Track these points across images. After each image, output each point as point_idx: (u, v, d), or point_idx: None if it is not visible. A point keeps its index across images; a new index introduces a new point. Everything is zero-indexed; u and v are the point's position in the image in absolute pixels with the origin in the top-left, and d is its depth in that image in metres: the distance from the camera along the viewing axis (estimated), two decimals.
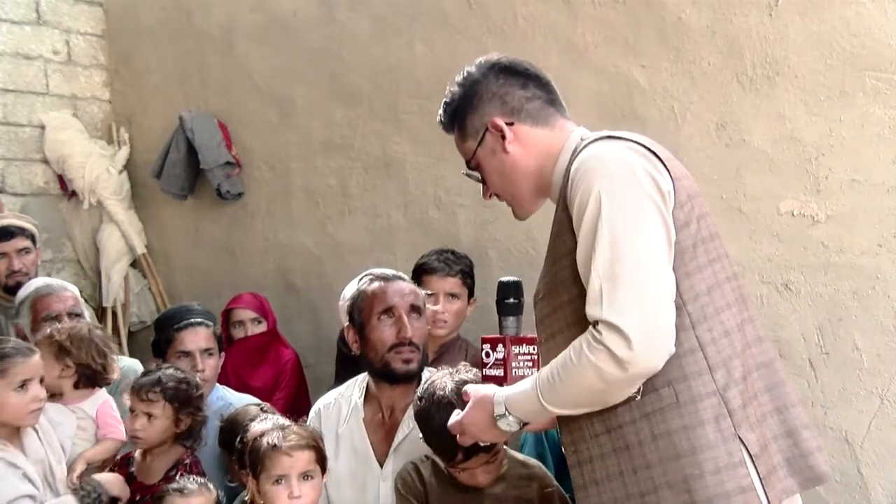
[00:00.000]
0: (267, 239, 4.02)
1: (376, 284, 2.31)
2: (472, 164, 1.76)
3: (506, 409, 1.62)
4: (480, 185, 1.80)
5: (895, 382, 2.56)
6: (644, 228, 1.48)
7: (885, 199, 2.54)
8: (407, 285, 2.34)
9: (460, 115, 1.76)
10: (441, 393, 1.96)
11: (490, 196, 1.80)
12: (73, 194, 4.39)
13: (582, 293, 1.51)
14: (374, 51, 3.59)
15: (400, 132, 3.54)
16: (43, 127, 4.34)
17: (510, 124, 1.69)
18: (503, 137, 1.69)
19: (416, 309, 2.29)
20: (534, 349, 1.75)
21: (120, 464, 2.49)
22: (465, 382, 1.94)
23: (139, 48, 4.47)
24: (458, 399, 1.89)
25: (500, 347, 1.74)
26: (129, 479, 2.43)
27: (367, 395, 2.34)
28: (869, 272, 2.57)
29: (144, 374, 2.52)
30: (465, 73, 1.76)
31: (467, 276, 2.92)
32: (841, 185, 2.61)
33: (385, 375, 2.26)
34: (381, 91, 3.58)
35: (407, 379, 2.26)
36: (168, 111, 4.25)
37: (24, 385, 2.19)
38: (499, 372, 1.73)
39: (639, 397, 1.52)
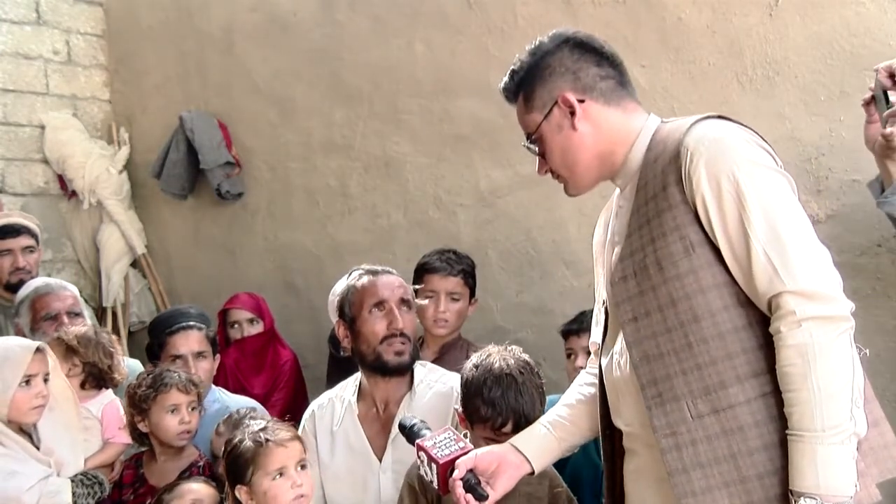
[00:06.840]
0: (267, 239, 4.02)
1: (366, 279, 2.33)
2: (534, 137, 1.70)
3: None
4: (535, 160, 1.74)
5: (895, 382, 2.56)
6: (789, 197, 1.52)
7: None
8: (395, 279, 2.36)
9: (528, 85, 1.68)
10: (503, 366, 2.01)
11: (546, 171, 1.73)
12: (73, 194, 4.40)
13: (691, 270, 1.50)
14: (374, 51, 3.59)
15: (400, 132, 3.54)
16: (43, 127, 4.35)
17: (581, 101, 1.64)
18: (572, 114, 1.64)
19: (405, 302, 2.33)
20: (451, 433, 1.81)
21: (128, 465, 2.49)
22: (526, 362, 2.04)
23: (139, 48, 4.48)
24: (522, 376, 1.98)
25: (422, 454, 1.80)
26: (139, 479, 2.43)
27: (361, 392, 2.36)
28: (869, 272, 2.56)
29: (157, 376, 2.49)
30: (538, 43, 1.69)
31: (469, 277, 2.93)
32: (841, 185, 2.61)
33: (377, 368, 2.29)
34: (381, 91, 3.58)
35: (399, 371, 2.29)
36: (168, 111, 4.26)
37: (28, 381, 2.21)
38: (434, 467, 1.77)
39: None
